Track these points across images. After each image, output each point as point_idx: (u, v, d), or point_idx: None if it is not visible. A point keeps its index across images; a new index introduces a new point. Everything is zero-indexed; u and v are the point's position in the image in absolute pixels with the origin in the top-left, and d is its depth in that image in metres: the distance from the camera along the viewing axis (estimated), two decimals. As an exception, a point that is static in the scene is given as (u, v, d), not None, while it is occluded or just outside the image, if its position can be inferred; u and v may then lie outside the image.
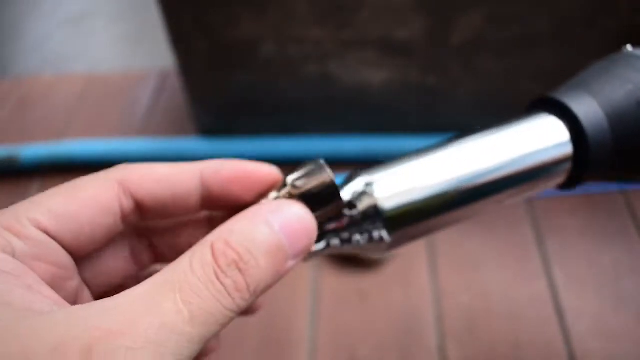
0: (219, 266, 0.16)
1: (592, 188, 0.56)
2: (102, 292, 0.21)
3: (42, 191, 0.18)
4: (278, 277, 0.17)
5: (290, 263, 0.17)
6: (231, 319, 0.16)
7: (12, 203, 0.18)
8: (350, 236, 0.20)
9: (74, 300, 0.19)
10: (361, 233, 0.20)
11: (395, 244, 0.20)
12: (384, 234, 0.19)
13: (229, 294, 0.16)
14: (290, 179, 0.19)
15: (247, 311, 0.24)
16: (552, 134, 0.21)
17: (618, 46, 0.53)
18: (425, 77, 0.56)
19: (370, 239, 0.20)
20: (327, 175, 0.18)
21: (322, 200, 0.19)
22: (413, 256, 0.53)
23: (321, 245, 0.20)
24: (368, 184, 0.19)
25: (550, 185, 0.22)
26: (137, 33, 1.03)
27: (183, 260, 0.16)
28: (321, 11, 0.51)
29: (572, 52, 0.54)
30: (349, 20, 0.51)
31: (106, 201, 0.19)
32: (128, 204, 0.19)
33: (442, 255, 0.53)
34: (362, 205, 0.19)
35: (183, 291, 0.15)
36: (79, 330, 0.14)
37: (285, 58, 0.55)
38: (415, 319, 0.48)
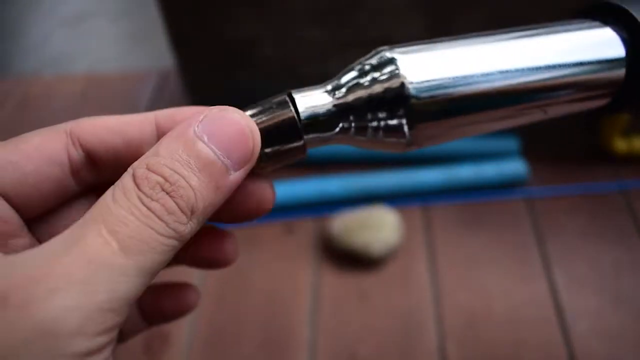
0: (142, 191, 0.14)
1: (593, 188, 0.56)
2: None
3: None
4: (223, 193, 0.15)
5: (235, 175, 0.15)
6: (174, 247, 0.14)
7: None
8: (366, 124, 0.16)
9: None
10: (378, 121, 0.16)
11: (416, 142, 0.17)
12: (406, 125, 0.16)
13: (160, 218, 0.14)
14: (247, 113, 0.17)
15: (218, 262, 0.21)
16: (606, 41, 0.18)
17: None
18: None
19: (388, 130, 0.16)
20: (289, 111, 0.16)
21: (281, 139, 0.16)
22: (413, 256, 0.53)
23: (332, 132, 0.17)
24: (393, 61, 0.16)
25: (596, 102, 0.19)
26: (137, 33, 1.03)
27: (106, 195, 0.14)
28: (321, 11, 0.51)
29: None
30: (349, 20, 0.51)
31: (52, 150, 0.17)
32: (78, 155, 0.18)
33: (442, 255, 0.53)
34: (384, 85, 0.16)
35: (107, 222, 0.13)
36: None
37: (285, 58, 0.55)
38: (415, 319, 0.48)
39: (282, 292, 0.51)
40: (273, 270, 0.53)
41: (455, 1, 0.49)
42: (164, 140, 0.15)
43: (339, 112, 0.17)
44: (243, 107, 0.18)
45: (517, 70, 0.16)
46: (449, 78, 0.16)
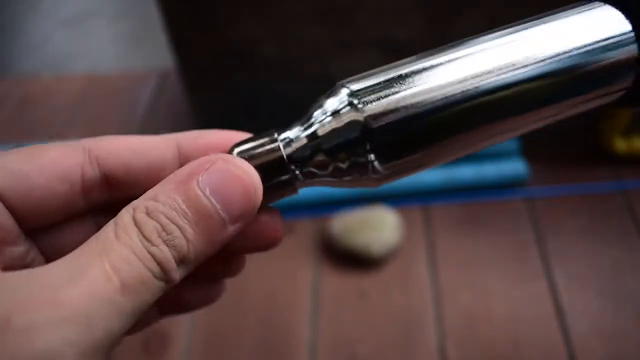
0: (144, 235, 0.14)
1: (592, 188, 0.56)
2: None
3: None
4: (216, 246, 0.15)
5: (231, 228, 0.15)
6: (165, 290, 0.14)
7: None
8: (335, 166, 0.15)
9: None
10: (347, 160, 0.15)
11: (389, 176, 0.15)
12: (375, 161, 0.14)
13: (158, 263, 0.14)
14: (236, 150, 0.16)
15: (226, 272, 0.21)
16: (611, 27, 0.15)
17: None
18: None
19: (359, 168, 0.15)
20: (277, 147, 0.15)
21: (270, 175, 0.16)
22: (413, 255, 0.53)
23: (303, 178, 0.16)
24: (353, 95, 0.15)
25: (601, 100, 0.15)
26: (138, 33, 1.03)
27: (107, 227, 0.14)
28: (321, 12, 0.51)
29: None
30: (349, 20, 0.51)
31: (66, 166, 0.17)
32: (93, 174, 0.17)
33: (441, 255, 0.53)
34: (344, 122, 0.14)
35: (110, 258, 0.14)
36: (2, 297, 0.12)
37: (285, 58, 0.55)
38: (415, 319, 0.48)
39: (282, 292, 0.51)
40: (273, 270, 0.53)
41: (455, 1, 0.49)
42: (166, 185, 0.15)
43: (297, 159, 0.16)
44: (240, 126, 0.18)
45: (501, 69, 0.14)
46: (413, 104, 0.14)
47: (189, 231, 0.15)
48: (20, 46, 1.07)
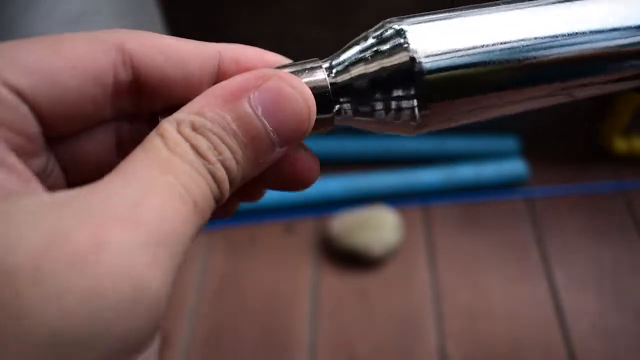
0: (199, 152, 0.13)
1: (592, 188, 0.56)
2: (74, 183, 0.16)
3: None
4: (260, 168, 0.14)
5: (279, 151, 0.14)
6: (212, 212, 0.13)
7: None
8: (373, 106, 0.15)
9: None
10: (386, 101, 0.14)
11: (428, 124, 0.15)
12: (417, 106, 0.14)
13: (218, 184, 0.13)
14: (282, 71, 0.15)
15: (244, 196, 0.19)
16: None
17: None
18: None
19: (398, 110, 0.14)
20: (324, 79, 0.15)
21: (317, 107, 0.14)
22: (413, 255, 0.53)
23: (329, 114, 0.15)
24: (401, 33, 0.14)
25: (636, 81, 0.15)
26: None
27: (153, 139, 0.13)
28: (321, 11, 0.51)
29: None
30: (349, 20, 0.51)
31: (99, 66, 0.14)
32: (125, 77, 0.15)
33: (441, 255, 0.53)
34: (391, 60, 0.14)
35: (177, 174, 0.12)
36: (82, 217, 0.11)
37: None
38: (415, 319, 0.48)
39: (282, 292, 0.51)
40: (273, 270, 0.53)
41: (458, 3, 0.49)
42: (212, 99, 0.14)
43: (337, 92, 0.15)
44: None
45: (548, 38, 0.14)
46: (466, 50, 0.14)
47: (239, 153, 0.14)
48: (19, 46, 1.07)
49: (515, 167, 0.56)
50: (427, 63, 0.14)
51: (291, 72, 0.15)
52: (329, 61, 0.15)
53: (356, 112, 0.15)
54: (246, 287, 0.52)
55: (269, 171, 0.15)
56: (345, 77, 0.15)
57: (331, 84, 0.15)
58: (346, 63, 0.15)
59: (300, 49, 0.54)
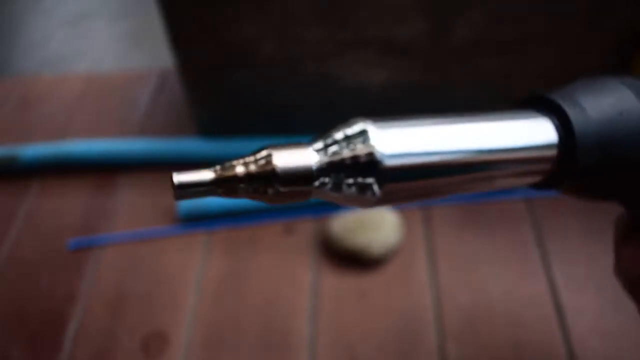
0: None
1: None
2: None
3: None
4: None
5: None
6: None
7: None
8: (340, 183, 0.19)
9: None
10: (349, 182, 0.19)
11: (382, 201, 0.20)
12: (375, 186, 0.19)
13: None
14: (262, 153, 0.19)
15: None
16: (540, 130, 0.22)
17: (618, 46, 0.53)
18: (425, 77, 0.56)
19: (360, 189, 0.19)
20: (309, 158, 0.19)
21: (296, 180, 0.19)
22: (413, 256, 0.53)
23: (311, 186, 0.19)
24: (364, 132, 0.19)
25: (525, 181, 0.23)
26: (137, 32, 1.03)
27: None
28: (321, 11, 0.51)
29: (572, 53, 0.54)
30: (349, 20, 0.51)
31: None
32: None
33: (442, 254, 0.53)
34: (357, 151, 0.19)
35: None
36: None
37: (285, 58, 0.55)
38: (415, 319, 0.48)
39: (281, 292, 0.51)
40: (273, 270, 0.53)
41: (455, 1, 0.49)
42: None
43: (320, 170, 0.19)
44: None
45: (469, 151, 0.20)
46: (415, 152, 0.19)
47: None
48: (20, 46, 1.07)
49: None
50: (383, 156, 0.19)
51: (284, 149, 0.19)
52: (312, 145, 0.20)
53: (329, 189, 0.19)
54: (246, 287, 0.52)
55: None
56: (324, 160, 0.19)
57: (314, 164, 0.19)
58: (325, 149, 0.19)
59: (300, 49, 0.54)
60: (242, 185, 0.19)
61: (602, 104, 0.21)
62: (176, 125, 0.67)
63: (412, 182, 0.20)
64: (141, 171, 0.63)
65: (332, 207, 0.56)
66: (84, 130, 0.69)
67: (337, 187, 0.19)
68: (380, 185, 0.19)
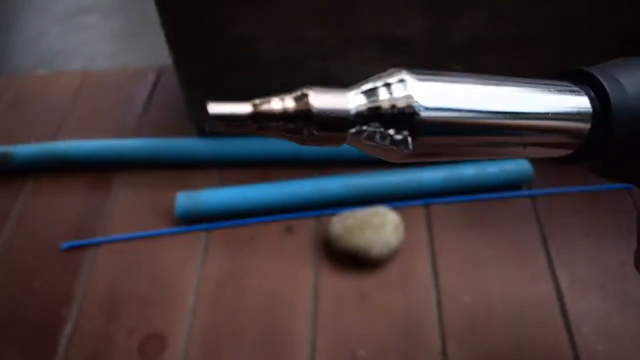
0: None
1: (598, 187, 0.55)
2: None
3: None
4: None
5: None
6: None
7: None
8: (374, 132, 0.19)
9: None
10: (384, 132, 0.19)
11: (413, 154, 0.19)
12: (409, 138, 0.19)
13: None
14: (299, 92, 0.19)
15: None
16: (576, 101, 0.22)
17: (619, 46, 0.53)
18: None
19: (394, 140, 0.19)
20: (347, 102, 0.19)
21: (335, 122, 0.18)
22: (414, 256, 0.52)
23: (345, 132, 0.19)
24: (404, 81, 0.19)
25: (556, 152, 0.23)
26: (134, 29, 1.02)
27: None
28: (321, 9, 0.50)
29: (574, 51, 0.53)
30: (349, 18, 0.51)
31: None
32: None
33: (443, 255, 0.52)
34: (395, 101, 0.19)
35: None
36: None
37: (285, 56, 0.54)
38: (416, 320, 0.48)
39: (281, 293, 0.51)
40: (272, 270, 0.52)
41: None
42: None
43: (356, 117, 0.19)
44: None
45: (506, 112, 0.20)
46: (451, 108, 0.19)
47: None
48: (14, 42, 1.06)
49: (520, 167, 0.56)
50: (421, 109, 0.19)
51: (323, 91, 0.19)
52: (351, 90, 0.20)
53: (362, 136, 0.19)
54: (246, 287, 0.51)
55: None
56: (362, 106, 0.19)
57: (351, 109, 0.19)
58: (364, 96, 0.19)
59: (300, 48, 0.53)
60: (276, 122, 0.18)
61: (638, 81, 0.22)
62: (173, 124, 0.66)
63: (446, 138, 0.19)
64: (137, 171, 0.62)
65: (332, 207, 0.55)
66: (79, 129, 0.68)
67: (371, 135, 0.19)
68: (414, 138, 0.19)
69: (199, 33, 0.53)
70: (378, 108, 0.19)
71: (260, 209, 0.56)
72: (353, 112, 0.19)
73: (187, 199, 0.55)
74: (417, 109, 0.18)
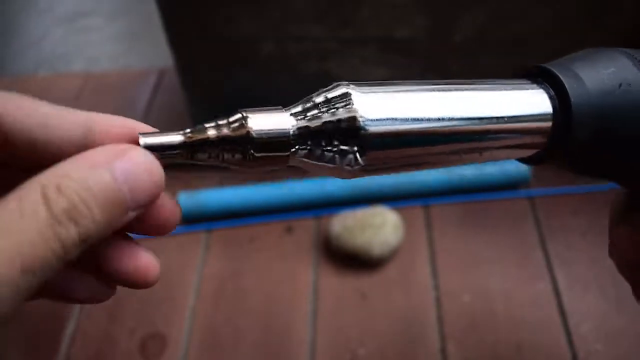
0: (52, 214, 0.14)
1: (595, 188, 0.55)
2: None
3: None
4: (111, 229, 0.16)
5: (131, 214, 0.16)
6: (61, 267, 0.15)
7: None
8: (319, 150, 0.18)
9: None
10: (329, 149, 0.18)
11: (364, 170, 0.18)
12: (358, 154, 0.18)
13: (62, 243, 0.14)
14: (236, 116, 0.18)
15: (133, 281, 0.19)
16: (536, 100, 0.20)
17: (621, 45, 0.53)
18: (426, 75, 0.55)
19: (341, 157, 0.18)
20: (285, 122, 0.18)
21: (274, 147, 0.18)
22: (413, 256, 0.52)
23: (286, 152, 0.18)
24: (347, 95, 0.18)
25: (519, 154, 0.21)
26: (135, 31, 1.02)
27: (9, 203, 0.14)
28: (321, 9, 0.50)
29: (575, 51, 0.53)
30: (349, 18, 0.51)
31: None
32: None
33: (443, 255, 0.52)
34: (338, 116, 0.18)
35: (13, 239, 0.14)
36: None
37: (285, 56, 0.54)
38: (415, 320, 0.48)
39: (281, 293, 0.51)
40: (272, 270, 0.53)
41: (457, -1, 0.49)
42: (80, 164, 0.16)
43: (297, 137, 0.18)
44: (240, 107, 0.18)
45: (456, 119, 0.19)
46: (398, 118, 0.18)
47: (96, 213, 0.15)
48: (16, 44, 1.06)
49: (518, 167, 0.56)
50: (365, 122, 0.17)
51: (259, 112, 0.18)
52: (290, 109, 0.19)
53: (307, 156, 0.18)
54: (246, 287, 0.51)
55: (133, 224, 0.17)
56: (302, 124, 0.18)
57: (291, 129, 0.18)
58: (304, 113, 0.18)
59: (300, 47, 0.54)
60: (213, 150, 0.17)
61: (601, 75, 0.20)
62: (175, 125, 0.66)
63: (396, 150, 0.18)
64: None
65: (332, 207, 0.55)
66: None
67: (316, 154, 0.18)
68: (363, 153, 0.18)
69: (200, 34, 0.53)
70: (320, 125, 0.18)
71: (260, 209, 0.56)
72: (293, 131, 0.18)
73: (188, 199, 0.55)
74: (362, 123, 0.17)
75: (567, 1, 0.49)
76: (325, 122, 0.18)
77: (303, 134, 0.18)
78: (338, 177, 0.19)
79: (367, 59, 0.54)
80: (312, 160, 0.18)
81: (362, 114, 0.17)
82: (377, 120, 0.18)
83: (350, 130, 0.18)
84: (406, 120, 0.18)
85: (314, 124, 0.18)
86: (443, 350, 0.46)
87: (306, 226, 0.56)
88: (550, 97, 0.20)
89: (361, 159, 0.18)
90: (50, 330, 0.49)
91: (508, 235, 0.53)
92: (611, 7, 0.49)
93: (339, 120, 0.18)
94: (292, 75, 0.56)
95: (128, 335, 0.49)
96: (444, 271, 0.51)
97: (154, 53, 0.81)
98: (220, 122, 0.18)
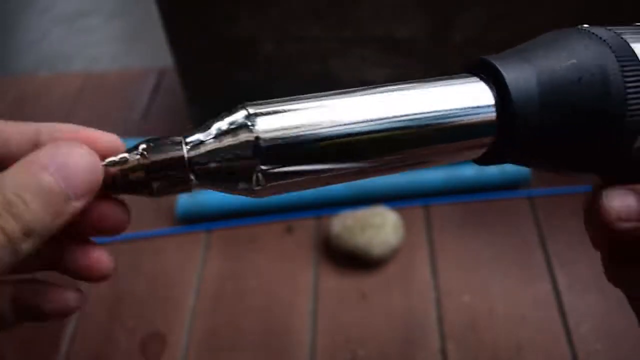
0: None
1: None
2: None
3: None
4: (63, 218, 0.17)
5: (75, 203, 0.17)
6: (10, 264, 0.16)
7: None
8: (219, 172, 0.18)
9: None
10: (229, 171, 0.18)
11: (267, 190, 0.18)
12: (259, 173, 0.17)
13: (7, 238, 0.16)
14: (141, 146, 0.18)
15: (89, 275, 0.22)
16: (475, 96, 0.19)
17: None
18: (426, 74, 0.55)
19: (241, 177, 0.18)
20: (181, 151, 0.18)
21: (168, 175, 0.18)
22: (414, 256, 0.52)
23: (191, 177, 0.18)
24: (250, 116, 0.17)
25: (465, 155, 0.20)
26: (135, 31, 1.02)
27: None
28: (321, 9, 0.50)
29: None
30: (349, 18, 0.51)
31: None
32: None
33: (443, 255, 0.52)
34: (238, 139, 0.17)
35: None
36: None
37: (285, 56, 0.54)
38: (415, 320, 0.48)
39: (281, 293, 0.51)
40: (272, 270, 0.52)
41: (457, -1, 0.49)
42: (15, 166, 0.17)
43: (193, 162, 0.18)
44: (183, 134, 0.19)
45: (370, 121, 0.17)
46: (297, 129, 0.17)
47: (33, 205, 0.16)
48: (16, 44, 1.06)
49: (518, 167, 0.56)
50: (265, 140, 0.17)
51: (156, 145, 0.18)
52: (187, 137, 0.18)
53: (209, 179, 0.18)
54: (245, 287, 0.51)
55: (82, 223, 0.19)
56: (201, 150, 0.18)
57: (188, 157, 0.18)
58: (201, 139, 0.18)
59: (300, 47, 0.54)
60: (117, 182, 0.18)
61: (553, 63, 0.19)
62: (174, 125, 0.66)
63: (298, 166, 0.18)
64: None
65: (332, 207, 0.55)
66: (81, 130, 0.68)
67: (218, 176, 0.18)
68: (264, 171, 0.17)
69: (199, 34, 0.53)
70: (218, 149, 0.18)
71: (260, 209, 0.56)
72: (189, 157, 0.18)
73: (188, 199, 0.55)
74: (260, 142, 0.17)
75: (566, 1, 0.49)
76: (222, 146, 0.18)
77: (202, 161, 0.18)
78: (246, 195, 0.19)
79: (367, 58, 0.54)
80: (214, 183, 0.18)
81: (262, 136, 0.17)
82: (272, 134, 0.17)
83: (248, 149, 0.17)
84: (303, 131, 0.17)
85: (212, 147, 0.18)
86: (443, 350, 0.46)
87: (306, 226, 0.56)
88: (493, 92, 0.19)
89: (262, 179, 0.18)
90: (50, 330, 0.49)
91: (508, 235, 0.53)
92: (609, 6, 0.49)
93: (237, 141, 0.17)
94: (291, 74, 0.56)
95: (128, 335, 0.49)
96: (444, 271, 0.51)
97: (154, 53, 0.81)
98: (121, 157, 0.18)
